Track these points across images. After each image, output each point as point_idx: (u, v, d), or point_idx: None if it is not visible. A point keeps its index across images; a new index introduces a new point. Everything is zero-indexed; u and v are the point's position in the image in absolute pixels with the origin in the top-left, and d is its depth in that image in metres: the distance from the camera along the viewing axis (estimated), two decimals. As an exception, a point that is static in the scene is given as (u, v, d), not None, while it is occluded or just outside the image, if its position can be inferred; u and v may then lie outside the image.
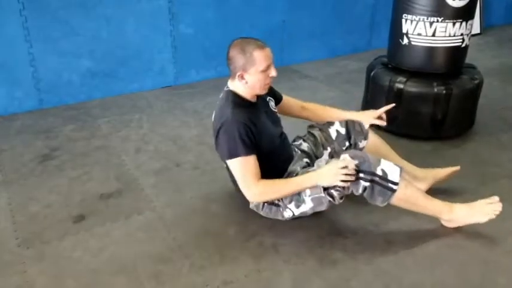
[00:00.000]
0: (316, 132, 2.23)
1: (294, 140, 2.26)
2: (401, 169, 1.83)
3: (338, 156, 1.93)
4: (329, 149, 2.18)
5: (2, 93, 3.25)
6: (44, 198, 2.30)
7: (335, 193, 1.85)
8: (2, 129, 3.08)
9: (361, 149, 2.17)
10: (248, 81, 1.87)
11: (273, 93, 2.15)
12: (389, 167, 1.81)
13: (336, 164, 1.80)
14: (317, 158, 2.15)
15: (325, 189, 1.84)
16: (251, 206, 2.05)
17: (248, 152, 1.83)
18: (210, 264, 1.84)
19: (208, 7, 3.75)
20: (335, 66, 4.28)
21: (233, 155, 1.84)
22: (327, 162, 1.91)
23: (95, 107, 3.42)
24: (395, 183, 1.80)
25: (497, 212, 1.90)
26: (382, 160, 1.83)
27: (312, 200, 1.89)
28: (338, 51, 4.55)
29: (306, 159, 2.13)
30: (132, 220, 2.12)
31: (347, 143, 2.19)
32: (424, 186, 2.18)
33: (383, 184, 1.81)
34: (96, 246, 1.95)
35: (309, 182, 1.85)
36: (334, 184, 1.81)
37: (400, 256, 1.86)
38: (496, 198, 1.93)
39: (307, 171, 1.92)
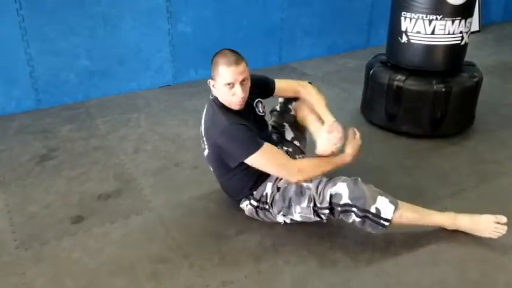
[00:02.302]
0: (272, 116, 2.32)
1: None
2: (397, 206, 1.79)
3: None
4: (286, 125, 2.26)
5: (-1, 93, 3.24)
6: (42, 198, 2.29)
7: (323, 216, 1.87)
8: (-1, 129, 3.07)
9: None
10: (215, 90, 1.89)
11: (263, 88, 2.08)
12: (384, 205, 1.78)
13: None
14: (284, 137, 2.24)
15: (315, 211, 1.86)
16: (246, 212, 2.05)
17: (260, 143, 1.80)
18: (209, 264, 1.83)
19: (207, 5, 3.73)
20: (334, 64, 4.27)
21: (249, 152, 1.79)
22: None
23: (93, 107, 3.40)
24: (388, 220, 1.79)
25: (500, 235, 1.85)
26: (379, 197, 1.79)
27: (301, 217, 1.92)
28: (336, 49, 4.54)
29: (285, 148, 2.19)
30: (131, 220, 2.11)
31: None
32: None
33: (375, 220, 1.80)
34: (95, 247, 1.94)
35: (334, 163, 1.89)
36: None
37: (400, 256, 1.85)
38: (504, 219, 1.86)
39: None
